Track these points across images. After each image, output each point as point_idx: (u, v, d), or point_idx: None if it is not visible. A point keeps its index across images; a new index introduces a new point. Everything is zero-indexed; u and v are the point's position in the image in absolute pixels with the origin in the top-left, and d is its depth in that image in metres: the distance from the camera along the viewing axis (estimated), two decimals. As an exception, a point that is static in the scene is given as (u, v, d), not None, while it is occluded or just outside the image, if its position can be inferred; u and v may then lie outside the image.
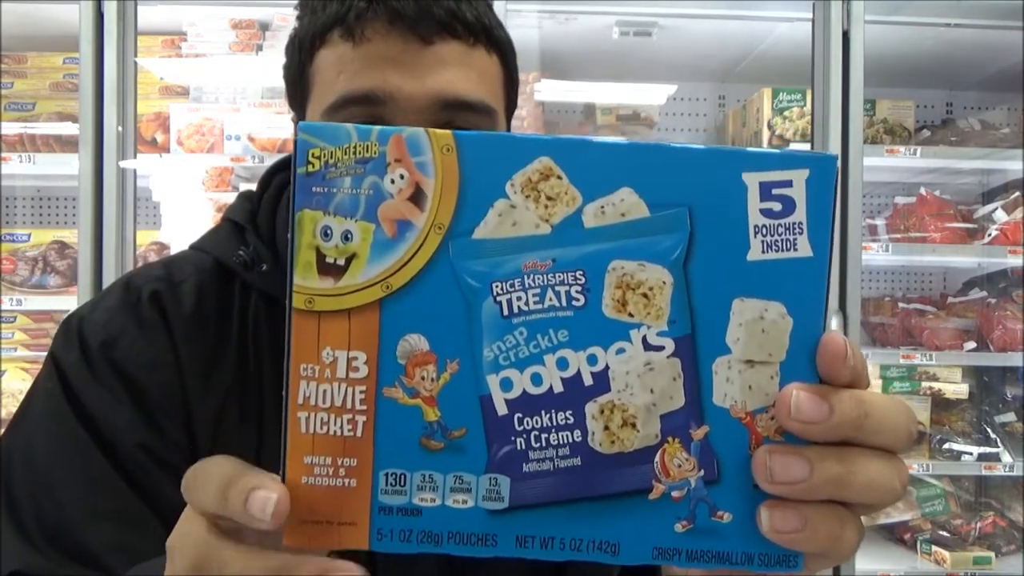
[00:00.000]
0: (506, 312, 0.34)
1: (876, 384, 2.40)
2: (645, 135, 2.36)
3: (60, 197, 2.46)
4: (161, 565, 0.39)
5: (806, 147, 2.02)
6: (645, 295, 0.34)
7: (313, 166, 0.34)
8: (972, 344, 2.30)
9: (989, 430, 2.37)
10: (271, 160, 0.82)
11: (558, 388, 0.35)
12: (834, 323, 1.87)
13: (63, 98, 2.19)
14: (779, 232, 0.34)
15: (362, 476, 0.34)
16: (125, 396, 0.66)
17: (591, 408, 0.35)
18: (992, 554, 2.19)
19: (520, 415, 0.35)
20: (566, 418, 0.35)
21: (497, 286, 0.34)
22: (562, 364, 0.34)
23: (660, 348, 0.35)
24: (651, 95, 2.39)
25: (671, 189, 0.34)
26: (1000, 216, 2.29)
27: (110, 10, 1.83)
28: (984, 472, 2.21)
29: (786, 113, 2.30)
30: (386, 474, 0.35)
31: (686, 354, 0.35)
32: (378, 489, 0.35)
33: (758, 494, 0.35)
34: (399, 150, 0.34)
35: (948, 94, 2.66)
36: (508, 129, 0.75)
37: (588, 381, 0.35)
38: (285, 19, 2.11)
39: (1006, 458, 2.24)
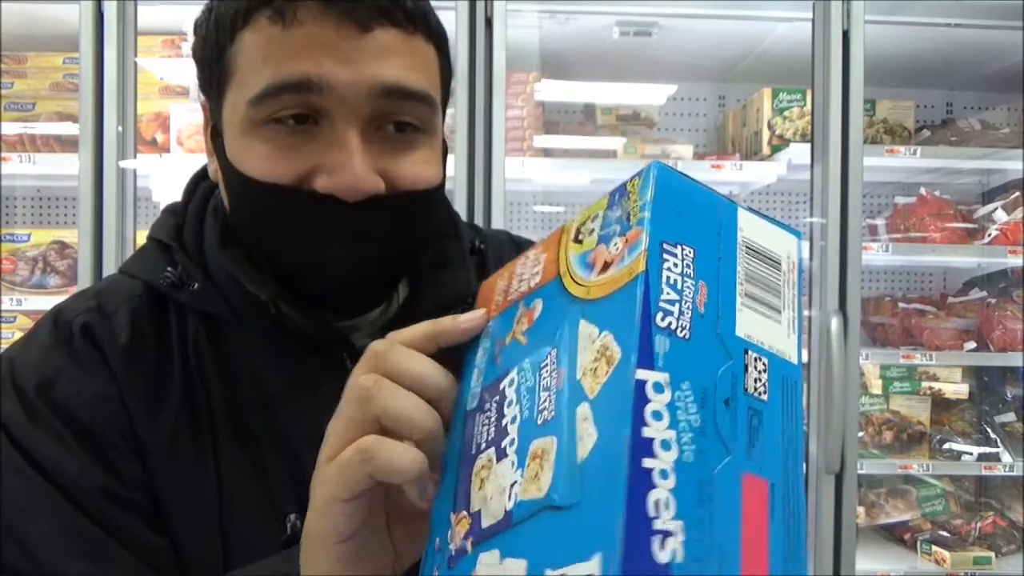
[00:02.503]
0: None
1: (876, 384, 2.41)
2: (645, 135, 2.36)
3: (60, 197, 2.46)
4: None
5: (806, 147, 2.01)
6: None
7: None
8: (972, 344, 2.30)
9: (989, 430, 2.37)
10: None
11: None
12: (834, 323, 1.87)
13: (63, 98, 2.19)
14: None
15: None
16: (72, 440, 0.63)
17: None
18: (992, 554, 2.19)
19: None
20: None
21: None
22: None
23: None
24: (651, 95, 2.39)
25: None
26: (1000, 216, 2.29)
27: (110, 10, 1.83)
28: (984, 472, 2.21)
29: (786, 113, 2.30)
30: None
31: None
32: None
33: None
34: None
35: (948, 94, 2.66)
36: (443, 121, 0.70)
37: None
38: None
39: (1006, 458, 2.24)
